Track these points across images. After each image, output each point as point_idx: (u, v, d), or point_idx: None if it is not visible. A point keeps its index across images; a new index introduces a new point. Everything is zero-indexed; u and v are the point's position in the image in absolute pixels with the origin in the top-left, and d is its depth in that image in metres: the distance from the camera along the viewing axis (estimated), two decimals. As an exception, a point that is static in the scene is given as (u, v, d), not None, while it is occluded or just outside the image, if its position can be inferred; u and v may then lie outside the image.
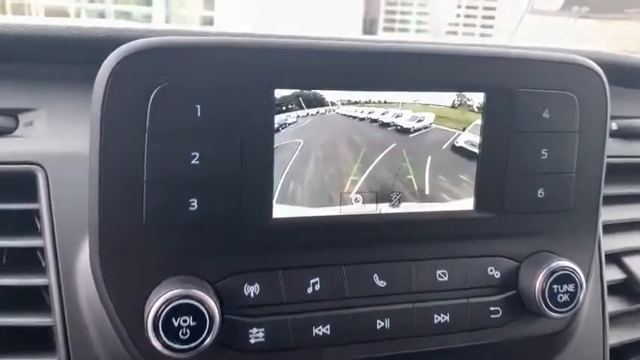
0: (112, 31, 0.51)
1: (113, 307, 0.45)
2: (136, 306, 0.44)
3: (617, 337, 0.61)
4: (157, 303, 0.42)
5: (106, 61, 0.42)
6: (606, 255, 0.62)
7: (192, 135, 0.43)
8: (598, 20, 1.32)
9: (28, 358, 0.48)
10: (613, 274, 0.63)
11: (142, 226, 0.43)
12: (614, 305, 0.62)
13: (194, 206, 0.44)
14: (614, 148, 0.65)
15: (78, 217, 0.48)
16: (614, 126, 0.65)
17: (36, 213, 0.50)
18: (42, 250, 0.49)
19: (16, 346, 0.48)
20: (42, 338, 0.49)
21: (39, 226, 0.50)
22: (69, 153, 0.51)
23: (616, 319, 0.62)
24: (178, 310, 0.42)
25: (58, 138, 0.53)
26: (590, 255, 0.55)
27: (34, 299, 0.49)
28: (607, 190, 0.64)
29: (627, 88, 0.67)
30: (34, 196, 0.50)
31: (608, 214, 0.64)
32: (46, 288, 0.49)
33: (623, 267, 0.63)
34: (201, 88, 0.43)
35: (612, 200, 0.65)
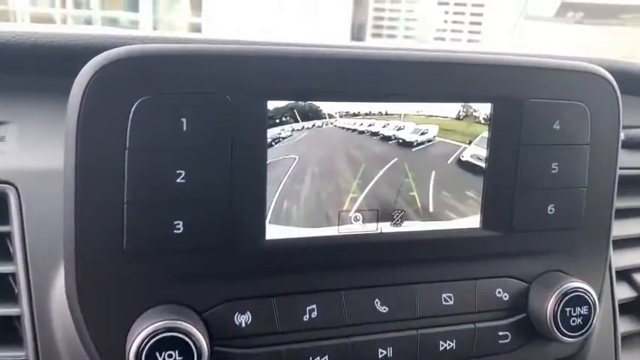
0: (90, 38, 0.47)
1: (91, 340, 0.41)
2: (116, 339, 0.40)
3: (629, 359, 0.58)
4: (139, 336, 0.38)
5: (82, 70, 0.38)
6: (616, 272, 0.59)
7: (177, 151, 0.39)
8: (592, 26, 1.31)
9: None
10: (623, 292, 0.60)
11: (122, 251, 0.39)
12: (625, 325, 0.59)
13: (179, 229, 0.40)
14: (622, 159, 0.62)
15: (53, 241, 0.44)
16: (622, 136, 0.62)
17: (7, 236, 0.46)
18: (14, 276, 0.45)
19: None
20: None
21: (11, 250, 0.46)
22: (43, 170, 0.47)
23: (628, 339, 0.59)
24: (163, 344, 0.38)
25: (31, 154, 0.49)
26: (602, 274, 0.52)
27: (6, 329, 0.45)
28: (616, 204, 0.61)
29: (634, 96, 0.64)
30: (5, 218, 0.46)
31: (616, 228, 0.61)
32: (18, 318, 0.45)
33: (634, 284, 0.60)
34: (187, 100, 0.39)
35: (620, 214, 0.62)
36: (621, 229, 0.61)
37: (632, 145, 0.63)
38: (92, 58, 0.38)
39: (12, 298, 0.45)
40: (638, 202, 0.64)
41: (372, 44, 0.52)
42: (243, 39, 0.51)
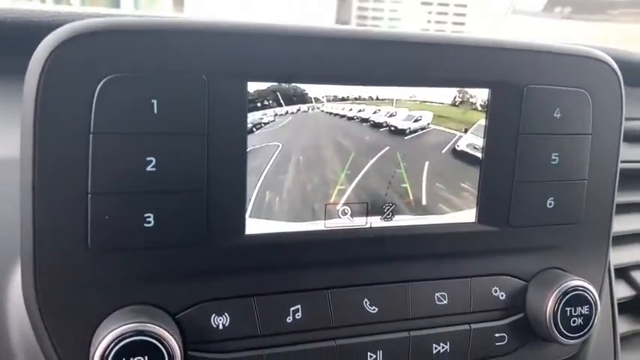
0: (49, 15, 0.43)
1: (51, 346, 0.37)
2: (79, 344, 0.36)
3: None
4: (104, 340, 0.35)
5: (40, 45, 0.34)
6: (614, 270, 0.57)
7: (147, 136, 0.35)
8: (580, 21, 1.29)
9: None
10: (622, 290, 0.57)
11: (86, 247, 0.35)
12: (624, 325, 0.56)
13: (150, 222, 0.36)
14: (621, 152, 0.60)
15: (8, 237, 0.39)
16: (620, 128, 0.60)
17: None
18: None
19: None
20: None
21: None
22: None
23: (627, 339, 0.57)
24: (131, 349, 0.35)
25: None
26: (602, 271, 0.49)
27: None
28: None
29: (633, 87, 0.62)
30: None
31: (615, 224, 0.58)
32: None
33: (632, 283, 0.58)
34: (158, 79, 0.35)
35: (618, 209, 0.60)
36: (619, 225, 0.59)
37: (631, 137, 0.61)
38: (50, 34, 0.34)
39: None
40: (637, 196, 0.61)
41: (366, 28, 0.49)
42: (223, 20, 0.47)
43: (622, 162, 0.59)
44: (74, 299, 0.36)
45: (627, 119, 0.60)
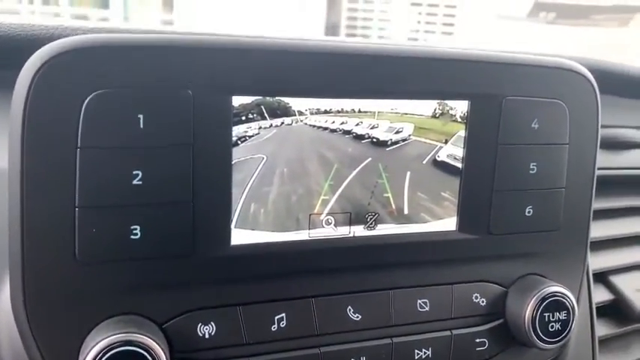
0: (38, 29, 0.44)
1: (40, 356, 0.37)
2: (67, 354, 0.37)
3: None
4: (92, 351, 0.35)
5: (28, 62, 0.35)
6: (593, 274, 0.58)
7: (134, 150, 0.36)
8: (565, 25, 1.31)
9: None
10: (601, 295, 0.59)
11: (74, 258, 0.36)
12: (603, 329, 0.58)
13: (137, 234, 0.37)
14: (598, 159, 0.61)
15: None
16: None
17: None
18: None
19: None
20: None
21: None
22: None
23: (605, 343, 0.58)
24: (119, 359, 0.35)
25: None
26: (580, 277, 0.51)
27: None
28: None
29: (612, 96, 0.63)
30: None
31: (593, 230, 0.60)
32: None
33: (611, 287, 0.59)
34: (145, 94, 0.36)
35: (597, 215, 0.61)
36: (597, 230, 0.60)
37: (607, 145, 0.62)
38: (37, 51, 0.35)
39: None
40: (614, 202, 0.63)
41: (347, 40, 0.50)
42: (209, 32, 0.48)
43: (599, 169, 0.60)
44: (62, 309, 0.37)
45: (604, 127, 0.62)
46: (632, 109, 0.65)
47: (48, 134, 0.35)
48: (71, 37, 0.35)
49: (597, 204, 0.61)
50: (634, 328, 0.59)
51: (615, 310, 0.59)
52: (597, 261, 0.60)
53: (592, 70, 0.50)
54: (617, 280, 0.60)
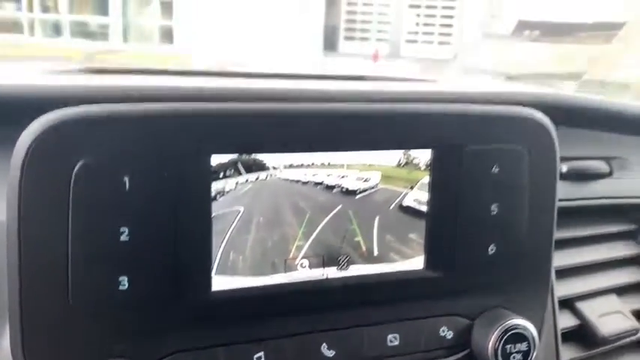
0: (34, 89, 0.47)
1: None
2: None
3: None
4: None
5: (22, 135, 0.38)
6: (559, 301, 0.61)
7: (121, 209, 0.40)
8: (549, 43, 1.35)
9: None
10: (567, 320, 0.62)
11: (68, 306, 0.40)
12: (569, 353, 0.61)
13: (125, 285, 0.41)
14: (564, 191, 0.65)
15: None
16: (564, 168, 0.65)
17: None
18: None
19: None
20: None
21: None
22: None
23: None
24: None
25: None
26: (544, 307, 0.54)
27: None
28: (558, 235, 0.64)
29: (575, 129, 0.67)
30: None
31: (560, 258, 0.63)
32: None
33: (577, 312, 0.63)
34: (129, 158, 0.40)
35: (564, 244, 0.65)
36: (564, 258, 0.64)
37: (573, 176, 0.66)
38: (32, 112, 0.39)
39: None
40: (581, 231, 0.66)
41: (323, 86, 0.54)
42: (187, 90, 0.51)
43: (567, 200, 0.64)
44: (58, 352, 0.41)
45: (573, 159, 0.66)
46: (597, 140, 0.69)
47: (42, 197, 0.39)
48: (57, 111, 0.39)
49: (566, 233, 0.65)
50: (598, 352, 0.63)
51: (581, 335, 0.63)
52: (564, 288, 0.63)
53: (556, 106, 0.53)
54: (583, 306, 0.63)
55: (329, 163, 0.46)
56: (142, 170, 0.40)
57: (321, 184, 0.46)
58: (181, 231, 0.42)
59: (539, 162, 0.51)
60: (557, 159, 0.52)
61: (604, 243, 0.68)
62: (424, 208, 0.49)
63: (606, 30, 1.35)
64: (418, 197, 0.49)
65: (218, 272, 0.44)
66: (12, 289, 0.40)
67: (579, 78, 1.29)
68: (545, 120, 0.51)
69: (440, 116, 0.48)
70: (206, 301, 0.43)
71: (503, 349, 0.49)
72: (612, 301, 0.65)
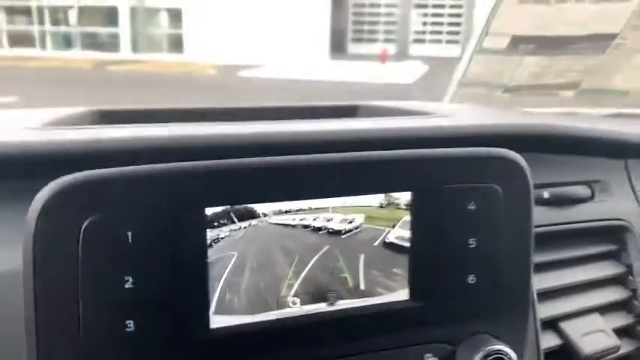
0: (53, 147, 0.52)
1: None
2: None
3: None
4: None
5: (35, 200, 0.43)
6: (543, 322, 0.65)
7: (125, 260, 0.44)
8: (544, 56, 1.38)
9: None
10: (550, 340, 0.65)
11: (79, 337, 0.44)
12: None
13: (131, 327, 0.45)
14: (547, 216, 0.68)
15: (17, 338, 0.48)
16: (545, 194, 0.68)
17: None
18: None
19: None
20: None
21: None
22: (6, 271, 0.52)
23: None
24: None
25: None
26: (524, 331, 0.58)
27: None
28: (542, 258, 0.67)
29: (557, 155, 0.70)
30: None
31: (544, 281, 0.67)
32: None
33: (560, 332, 0.66)
34: (131, 215, 0.44)
35: (548, 267, 0.68)
36: (548, 281, 0.67)
37: (555, 202, 0.69)
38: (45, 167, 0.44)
39: None
40: (565, 254, 0.70)
41: (315, 126, 0.58)
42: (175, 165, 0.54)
43: (550, 225, 0.67)
44: None
45: (553, 185, 0.69)
46: (578, 165, 0.72)
47: (54, 252, 0.43)
48: (67, 177, 0.43)
49: (550, 256, 0.69)
50: None
51: (564, 354, 0.66)
52: (547, 309, 0.66)
53: (537, 135, 0.57)
54: (566, 326, 0.66)
55: (315, 208, 0.50)
56: (143, 225, 0.44)
57: (308, 227, 0.50)
58: (180, 276, 0.46)
59: (514, 197, 0.54)
60: (531, 194, 0.55)
61: (587, 264, 0.72)
62: (406, 244, 0.53)
63: (600, 41, 1.37)
64: (400, 234, 0.53)
65: (216, 312, 0.48)
66: (28, 324, 0.44)
67: (577, 87, 1.32)
68: (518, 157, 0.55)
69: (418, 161, 0.51)
70: (205, 338, 0.48)
71: (485, 375, 0.53)
72: (595, 320, 0.68)
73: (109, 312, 0.45)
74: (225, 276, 0.48)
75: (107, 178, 0.44)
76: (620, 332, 0.71)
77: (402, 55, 9.29)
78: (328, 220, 0.50)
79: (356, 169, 0.50)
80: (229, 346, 0.49)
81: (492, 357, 0.53)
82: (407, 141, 0.54)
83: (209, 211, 0.47)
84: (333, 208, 0.50)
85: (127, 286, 0.45)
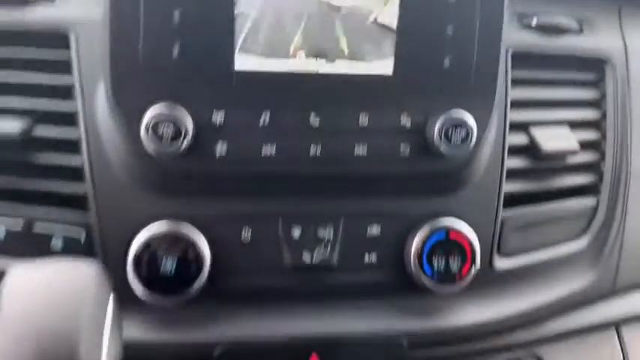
0: None
1: (121, 117, 0.63)
2: (136, 117, 0.63)
3: (512, 186, 0.77)
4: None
5: None
6: (515, 124, 0.76)
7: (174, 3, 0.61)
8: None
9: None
10: (519, 139, 0.77)
11: (139, 63, 0.61)
12: (515, 163, 0.76)
13: (176, 51, 0.62)
14: (535, 40, 0.78)
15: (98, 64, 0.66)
16: (534, 21, 0.78)
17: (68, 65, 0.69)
18: (72, 87, 0.69)
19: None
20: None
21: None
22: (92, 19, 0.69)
23: (515, 174, 0.77)
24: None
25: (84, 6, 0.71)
26: (490, 110, 0.68)
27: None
28: (525, 75, 0.78)
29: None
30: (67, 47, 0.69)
31: (524, 94, 0.77)
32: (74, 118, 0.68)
33: (529, 134, 0.77)
34: None
35: (529, 83, 0.78)
36: (526, 94, 0.78)
37: (542, 29, 0.78)
38: None
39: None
40: (547, 75, 0.79)
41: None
42: None
43: (534, 47, 0.77)
44: (132, 89, 0.62)
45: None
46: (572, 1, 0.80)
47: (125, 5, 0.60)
48: None
49: (532, 75, 0.79)
50: (541, 167, 0.78)
51: (530, 152, 0.77)
52: (522, 115, 0.77)
53: None
54: (535, 131, 0.77)
55: (324, -13, 0.63)
56: None
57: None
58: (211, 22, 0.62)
59: None
60: None
61: (567, 87, 0.81)
62: (394, 25, 0.66)
63: None
64: (390, 14, 0.65)
65: (240, 51, 0.64)
66: (105, 53, 0.62)
67: None
68: None
69: None
70: (232, 72, 0.63)
71: (446, 131, 0.66)
72: (563, 130, 0.78)
73: (161, 36, 0.61)
74: (248, 25, 0.63)
75: None
76: (587, 145, 0.81)
77: None
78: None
79: None
80: (249, 86, 0.64)
81: (454, 121, 0.66)
82: None
83: None
84: None
85: (174, 19, 0.61)
